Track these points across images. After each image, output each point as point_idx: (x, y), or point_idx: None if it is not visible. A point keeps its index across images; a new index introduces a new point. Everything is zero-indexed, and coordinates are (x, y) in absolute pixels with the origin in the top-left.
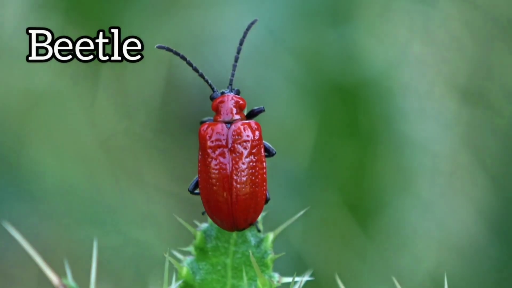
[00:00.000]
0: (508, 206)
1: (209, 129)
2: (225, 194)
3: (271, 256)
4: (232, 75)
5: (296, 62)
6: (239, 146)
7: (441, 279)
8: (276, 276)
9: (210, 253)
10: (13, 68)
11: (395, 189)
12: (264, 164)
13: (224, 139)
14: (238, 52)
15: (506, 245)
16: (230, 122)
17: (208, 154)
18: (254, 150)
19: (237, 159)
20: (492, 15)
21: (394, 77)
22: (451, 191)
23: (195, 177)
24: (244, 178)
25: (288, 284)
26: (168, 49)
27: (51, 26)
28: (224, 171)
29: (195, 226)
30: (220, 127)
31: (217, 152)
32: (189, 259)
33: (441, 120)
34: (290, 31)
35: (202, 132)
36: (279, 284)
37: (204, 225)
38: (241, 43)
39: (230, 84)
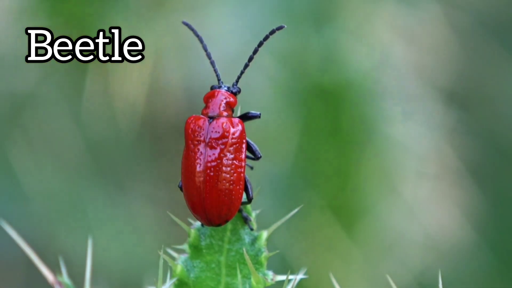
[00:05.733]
0: (494, 209)
1: (193, 121)
2: (197, 188)
3: (265, 254)
4: (241, 72)
5: (279, 64)
6: (215, 142)
7: (427, 283)
8: (270, 274)
9: (204, 251)
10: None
11: (379, 192)
12: (242, 163)
13: (203, 134)
14: (254, 52)
15: (492, 248)
16: (213, 118)
17: (188, 146)
18: (231, 148)
19: (212, 155)
20: (477, 17)
21: (378, 79)
22: (436, 194)
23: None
24: (217, 174)
25: (281, 282)
26: (191, 28)
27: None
28: (199, 165)
29: (189, 224)
30: (202, 121)
31: (195, 146)
32: (183, 257)
33: (426, 122)
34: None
35: (187, 123)
36: (273, 282)
37: (198, 223)
38: (255, 52)
39: (237, 81)
